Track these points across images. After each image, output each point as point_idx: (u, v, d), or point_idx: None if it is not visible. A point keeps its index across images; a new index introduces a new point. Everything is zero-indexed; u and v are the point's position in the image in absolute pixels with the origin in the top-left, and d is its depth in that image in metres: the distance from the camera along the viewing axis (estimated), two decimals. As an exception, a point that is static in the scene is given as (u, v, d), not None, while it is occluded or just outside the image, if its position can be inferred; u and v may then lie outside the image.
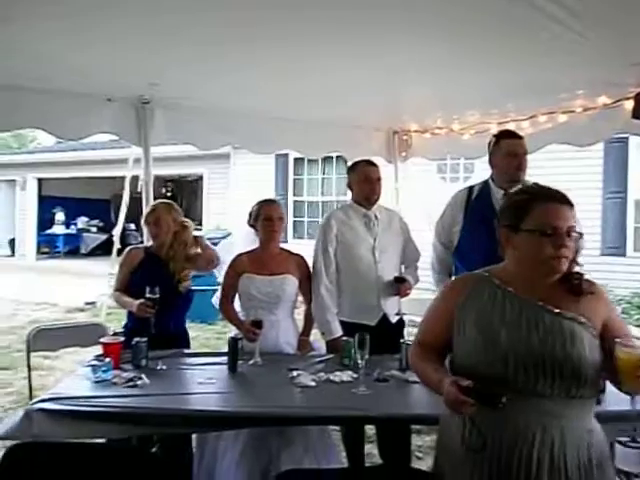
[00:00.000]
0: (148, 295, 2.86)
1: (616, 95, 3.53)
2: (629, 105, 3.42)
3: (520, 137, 3.12)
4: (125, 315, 3.26)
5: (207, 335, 6.88)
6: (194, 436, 2.81)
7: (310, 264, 3.19)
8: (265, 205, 3.16)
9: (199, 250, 3.25)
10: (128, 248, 3.31)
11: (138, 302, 2.92)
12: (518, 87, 3.55)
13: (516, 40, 2.82)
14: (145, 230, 3.40)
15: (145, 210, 3.42)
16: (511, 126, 4.11)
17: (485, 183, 3.16)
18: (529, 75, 3.29)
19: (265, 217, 3.09)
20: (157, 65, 3.34)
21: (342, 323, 3.06)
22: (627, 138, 8.00)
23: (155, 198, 3.92)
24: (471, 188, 3.22)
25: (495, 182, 3.11)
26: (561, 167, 8.02)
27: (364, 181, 3.19)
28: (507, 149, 3.03)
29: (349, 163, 3.57)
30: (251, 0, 2.53)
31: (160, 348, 2.87)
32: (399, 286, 3.12)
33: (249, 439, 2.67)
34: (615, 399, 2.16)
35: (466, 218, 3.13)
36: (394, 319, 3.17)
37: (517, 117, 4.13)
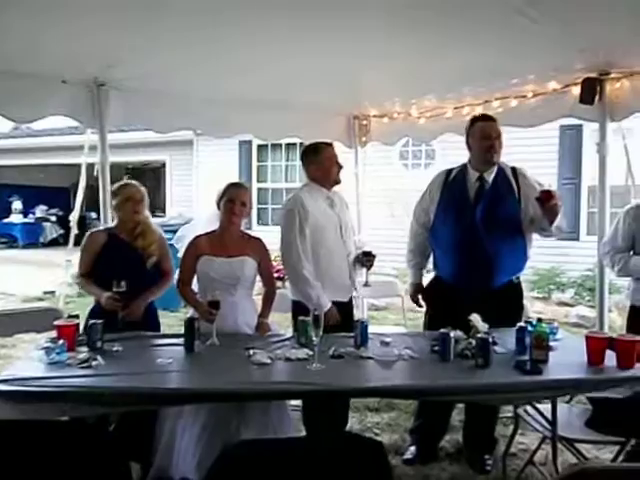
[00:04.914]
0: (115, 289, 2.85)
1: (565, 80, 3.64)
2: (577, 91, 3.53)
3: (493, 120, 3.19)
4: (88, 302, 3.24)
5: (170, 322, 6.78)
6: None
7: (269, 247, 3.21)
8: (232, 187, 3.17)
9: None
10: (89, 231, 3.29)
11: (106, 295, 2.91)
12: (473, 72, 3.62)
13: (471, 25, 2.88)
14: (113, 206, 3.30)
15: (127, 188, 3.24)
16: (466, 110, 4.21)
17: (463, 166, 3.25)
18: (483, 60, 3.35)
19: (228, 198, 3.09)
20: (112, 47, 3.27)
21: None
22: (581, 126, 8.22)
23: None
24: (450, 170, 3.31)
25: (472, 165, 3.21)
26: (517, 154, 8.20)
27: (334, 164, 3.29)
28: (480, 131, 3.14)
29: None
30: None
31: (130, 330, 2.89)
32: (369, 259, 3.25)
33: (208, 417, 2.71)
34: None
35: (441, 199, 3.22)
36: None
37: (472, 102, 4.22)
